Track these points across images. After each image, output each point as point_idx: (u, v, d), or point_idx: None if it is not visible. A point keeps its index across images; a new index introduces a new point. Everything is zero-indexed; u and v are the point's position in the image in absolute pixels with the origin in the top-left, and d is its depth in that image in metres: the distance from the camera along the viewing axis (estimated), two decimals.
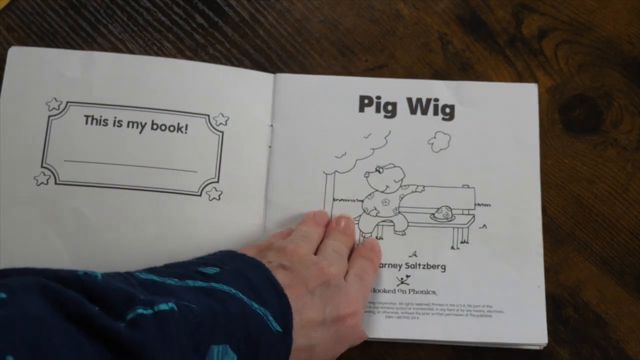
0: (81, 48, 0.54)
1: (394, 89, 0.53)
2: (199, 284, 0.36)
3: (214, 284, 0.36)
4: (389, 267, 0.48)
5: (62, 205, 0.49)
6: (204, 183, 0.50)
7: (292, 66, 0.54)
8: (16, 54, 0.52)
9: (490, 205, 0.50)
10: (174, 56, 0.54)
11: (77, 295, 0.30)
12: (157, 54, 0.54)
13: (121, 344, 0.29)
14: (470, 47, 0.54)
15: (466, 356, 0.48)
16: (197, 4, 0.55)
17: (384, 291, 0.47)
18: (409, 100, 0.52)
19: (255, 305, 0.35)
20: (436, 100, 0.52)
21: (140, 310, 0.30)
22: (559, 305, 0.49)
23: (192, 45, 0.54)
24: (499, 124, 0.52)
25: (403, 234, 0.49)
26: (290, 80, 0.53)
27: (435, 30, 0.55)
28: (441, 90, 0.53)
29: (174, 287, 0.35)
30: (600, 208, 0.51)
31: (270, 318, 0.36)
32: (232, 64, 0.54)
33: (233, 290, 0.36)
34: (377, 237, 0.49)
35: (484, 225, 0.49)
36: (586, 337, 0.48)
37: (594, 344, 0.48)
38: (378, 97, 0.53)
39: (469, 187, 0.50)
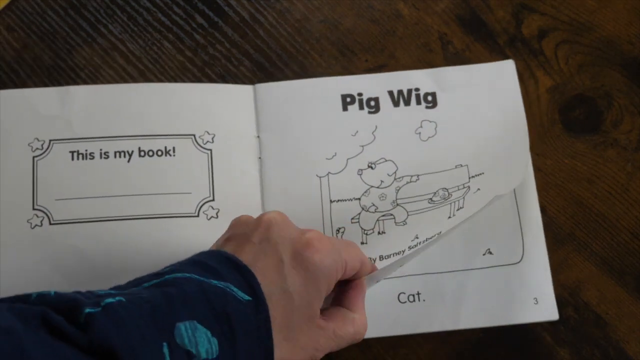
0: (81, 48, 0.54)
1: (374, 84, 0.53)
2: (153, 281, 0.36)
3: (167, 276, 0.35)
4: (393, 255, 0.48)
5: (60, 245, 0.48)
6: (199, 203, 0.49)
7: (292, 66, 0.54)
8: None
9: (483, 173, 0.50)
10: (173, 56, 0.54)
11: (42, 308, 0.31)
12: (157, 54, 0.54)
13: (86, 348, 0.30)
14: (470, 47, 0.54)
15: (466, 355, 0.48)
16: (197, 4, 0.55)
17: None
18: (390, 93, 0.53)
19: (214, 282, 0.35)
20: (417, 89, 0.53)
21: (87, 310, 0.31)
22: (559, 305, 0.48)
23: (192, 45, 0.54)
24: (481, 103, 0.52)
25: (404, 224, 0.49)
26: (270, 89, 0.53)
27: (435, 30, 0.55)
28: (420, 79, 0.53)
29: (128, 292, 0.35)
30: (600, 208, 0.51)
31: (234, 289, 0.35)
32: (232, 64, 0.54)
33: (187, 275, 0.35)
34: (379, 232, 0.49)
35: (478, 189, 0.49)
36: (586, 337, 0.48)
37: (594, 344, 0.48)
38: (359, 94, 0.53)
39: (462, 165, 0.50)
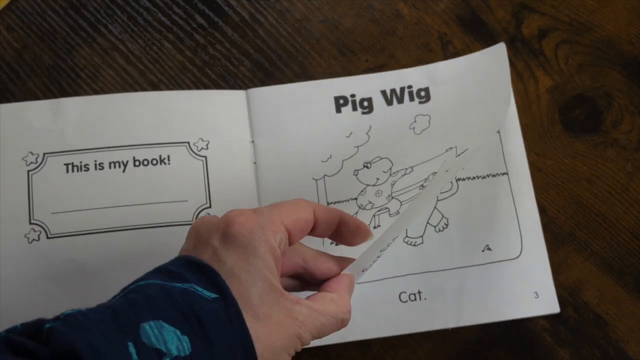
0: (81, 48, 0.54)
1: (367, 84, 0.53)
2: (119, 295, 0.36)
3: (130, 287, 0.36)
4: (386, 246, 0.47)
5: (57, 259, 0.47)
6: (196, 210, 0.49)
7: (292, 66, 0.54)
8: None
9: (468, 149, 0.49)
10: (173, 56, 0.54)
11: (7, 334, 0.31)
12: (157, 54, 0.54)
13: (49, 358, 0.30)
14: (470, 47, 0.54)
15: (466, 355, 0.48)
16: (197, 4, 0.55)
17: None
18: (383, 92, 0.52)
19: (177, 285, 0.35)
20: (410, 87, 0.52)
21: (47, 325, 0.32)
22: (559, 305, 0.48)
23: (192, 45, 0.54)
24: (473, 88, 0.51)
25: (397, 214, 0.49)
26: (263, 94, 0.52)
27: (435, 30, 0.55)
28: (413, 76, 0.53)
29: None
30: (600, 208, 0.51)
31: (199, 289, 0.35)
32: (232, 64, 0.54)
33: (150, 281, 0.35)
34: (374, 227, 0.49)
35: (462, 169, 0.48)
36: (586, 337, 0.48)
37: (594, 344, 0.48)
38: (352, 96, 0.52)
39: (451, 148, 0.50)
